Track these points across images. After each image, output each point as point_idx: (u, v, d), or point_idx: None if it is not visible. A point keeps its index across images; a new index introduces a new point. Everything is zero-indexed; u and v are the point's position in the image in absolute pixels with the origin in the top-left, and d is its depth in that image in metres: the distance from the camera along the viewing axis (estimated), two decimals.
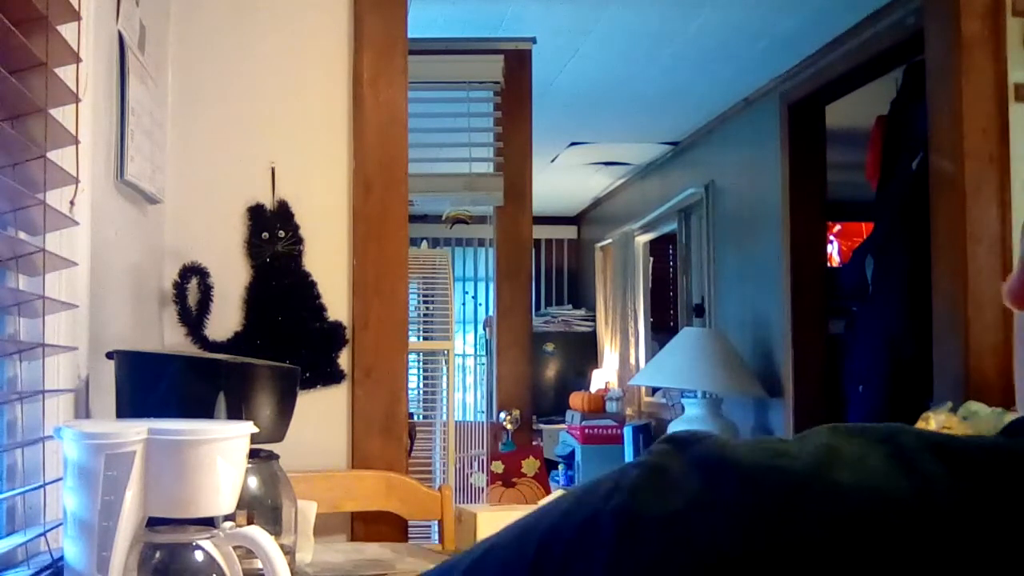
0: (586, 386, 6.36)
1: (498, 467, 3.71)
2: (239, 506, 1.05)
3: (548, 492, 3.45)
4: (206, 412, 1.29)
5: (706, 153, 5.17)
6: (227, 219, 2.01)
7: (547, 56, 3.80)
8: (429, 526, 2.57)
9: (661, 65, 4.06)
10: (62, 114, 1.30)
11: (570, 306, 7.47)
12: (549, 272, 7.99)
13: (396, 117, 2.07)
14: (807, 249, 4.09)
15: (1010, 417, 1.91)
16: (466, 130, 3.66)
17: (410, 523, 2.07)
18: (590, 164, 6.04)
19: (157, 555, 1.00)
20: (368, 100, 2.05)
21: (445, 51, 3.60)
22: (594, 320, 6.98)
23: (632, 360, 6.15)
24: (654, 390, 5.78)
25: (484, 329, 5.92)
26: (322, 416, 2.00)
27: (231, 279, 1.99)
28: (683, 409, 4.45)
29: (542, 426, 5.72)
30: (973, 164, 2.24)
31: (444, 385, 3.43)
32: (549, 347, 6.78)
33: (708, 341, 4.31)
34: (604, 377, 6.45)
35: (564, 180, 6.40)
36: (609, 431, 5.41)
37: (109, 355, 1.40)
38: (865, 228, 5.10)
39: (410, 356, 2.48)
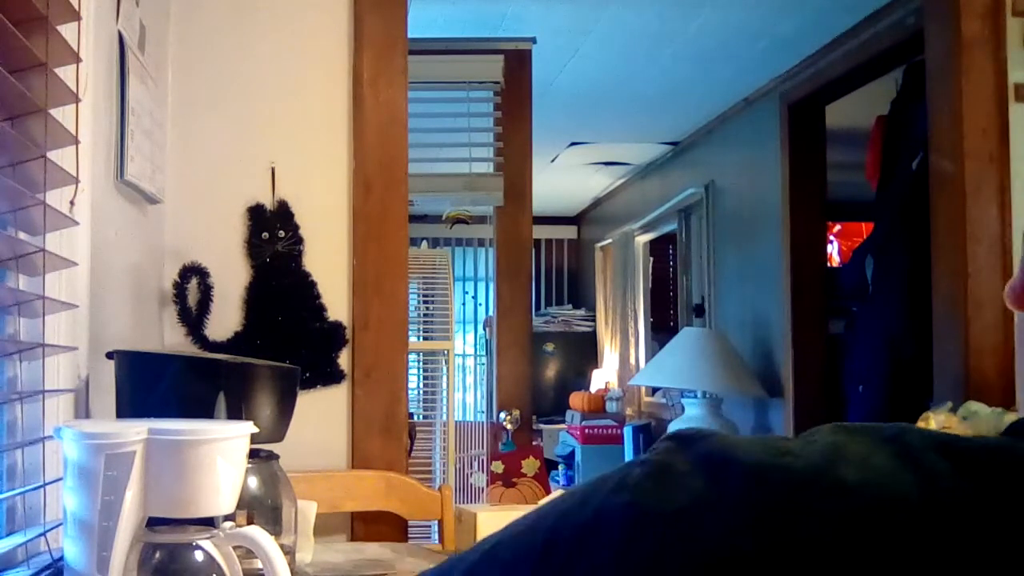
0: (586, 386, 6.36)
1: (498, 467, 3.71)
2: (239, 506, 1.05)
3: (548, 492, 3.45)
4: (206, 412, 1.29)
5: (706, 153, 5.17)
6: (227, 219, 2.01)
7: (547, 56, 3.80)
8: (429, 526, 2.57)
9: (661, 65, 4.06)
10: (62, 114, 1.30)
11: (570, 306, 7.47)
12: (549, 272, 7.99)
13: (396, 117, 2.07)
14: (807, 249, 4.09)
15: (1010, 417, 1.91)
16: (466, 130, 3.66)
17: (410, 523, 2.07)
18: (590, 164, 6.04)
19: (157, 555, 1.00)
20: (368, 100, 2.05)
21: (445, 51, 3.60)
22: (594, 320, 6.98)
23: (632, 360, 6.15)
24: (654, 390, 5.79)
25: (484, 329, 5.92)
26: (322, 416, 2.00)
27: (231, 279, 1.99)
28: (683, 409, 4.45)
29: (542, 426, 5.72)
30: (973, 164, 2.24)
31: (444, 385, 3.43)
32: (549, 347, 6.78)
33: (708, 341, 4.31)
34: (604, 377, 6.45)
35: (564, 180, 6.40)
36: (609, 431, 5.41)
37: (109, 355, 1.40)
38: (865, 228, 5.10)
39: (410, 356, 2.48)
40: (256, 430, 1.08)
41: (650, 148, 5.61)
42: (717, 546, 0.39)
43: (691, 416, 4.31)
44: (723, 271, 4.92)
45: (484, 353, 6.34)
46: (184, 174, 2.00)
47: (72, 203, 1.36)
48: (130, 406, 1.35)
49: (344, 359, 2.03)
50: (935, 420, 1.99)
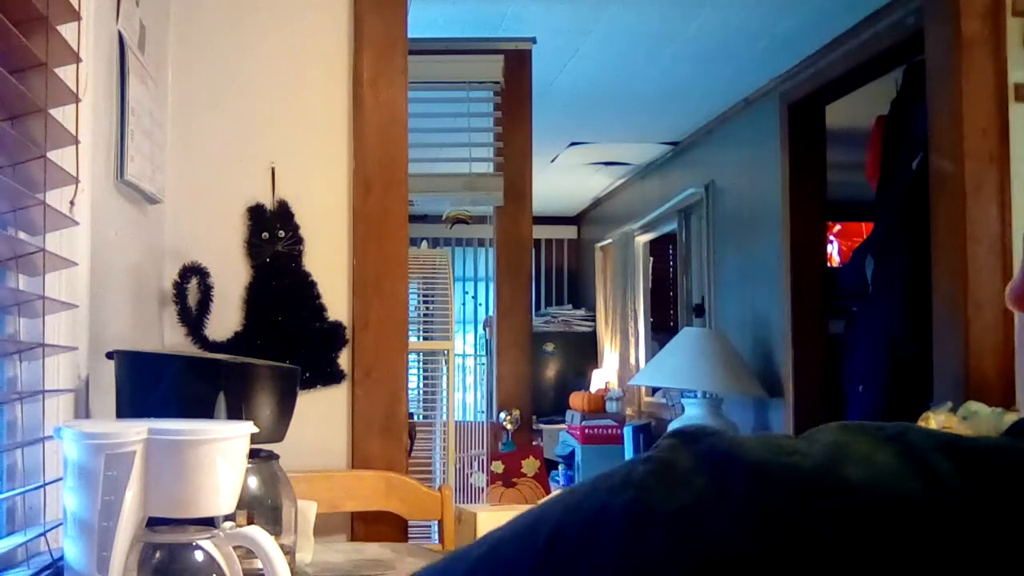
0: (586, 386, 6.36)
1: (498, 467, 3.71)
2: (239, 506, 1.05)
3: (548, 492, 3.45)
4: (206, 412, 1.29)
5: (706, 153, 5.17)
6: (227, 219, 2.00)
7: (547, 56, 3.80)
8: (429, 526, 2.57)
9: (661, 65, 4.06)
10: (62, 114, 1.30)
11: (570, 306, 7.47)
12: (549, 272, 7.99)
13: (396, 117, 2.07)
14: (807, 249, 4.09)
15: (1010, 417, 1.91)
16: (466, 130, 3.66)
17: (410, 523, 2.07)
18: (590, 164, 6.04)
19: (157, 555, 1.00)
20: (368, 100, 2.05)
21: (445, 51, 3.60)
22: (594, 320, 6.98)
23: (632, 360, 6.15)
24: (654, 390, 5.79)
25: (484, 329, 5.92)
26: (322, 416, 2.00)
27: (231, 279, 1.99)
28: (683, 409, 4.45)
29: (542, 426, 5.71)
30: (973, 164, 2.24)
31: (444, 385, 3.43)
32: (549, 347, 6.78)
33: (708, 341, 4.31)
34: (604, 377, 6.45)
35: (564, 180, 6.40)
36: (609, 431, 5.41)
37: (109, 355, 1.40)
38: (865, 228, 5.10)
39: (410, 356, 2.48)
40: (256, 430, 1.08)
41: (650, 148, 5.61)
42: (720, 544, 0.39)
43: (691, 416, 4.31)
44: (723, 271, 4.92)
45: (484, 353, 6.34)
46: (184, 174, 2.00)
47: (72, 203, 1.36)
48: (130, 406, 1.35)
49: (344, 359, 2.03)
50: (935, 420, 1.99)
